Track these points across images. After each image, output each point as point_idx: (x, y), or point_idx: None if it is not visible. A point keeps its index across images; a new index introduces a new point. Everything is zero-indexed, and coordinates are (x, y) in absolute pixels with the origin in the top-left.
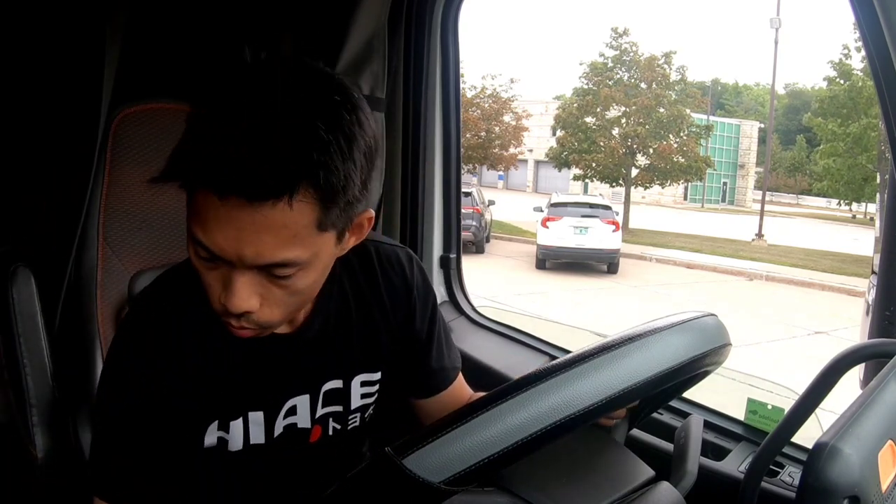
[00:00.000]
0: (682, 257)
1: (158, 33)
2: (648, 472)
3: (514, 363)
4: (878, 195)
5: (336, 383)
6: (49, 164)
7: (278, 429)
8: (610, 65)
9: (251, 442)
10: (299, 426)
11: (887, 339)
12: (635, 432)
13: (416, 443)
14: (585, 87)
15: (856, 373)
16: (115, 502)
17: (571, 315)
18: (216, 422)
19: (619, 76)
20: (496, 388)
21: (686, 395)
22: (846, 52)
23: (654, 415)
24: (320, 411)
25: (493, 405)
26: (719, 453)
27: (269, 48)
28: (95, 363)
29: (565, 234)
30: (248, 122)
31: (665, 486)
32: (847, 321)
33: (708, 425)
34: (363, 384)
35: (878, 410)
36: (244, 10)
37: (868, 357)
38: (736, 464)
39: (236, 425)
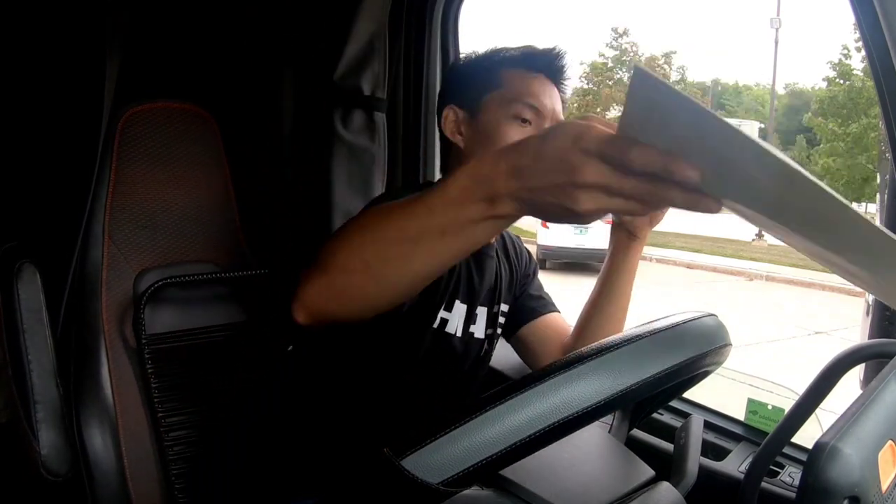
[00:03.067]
0: (683, 257)
1: (162, 33)
2: (648, 473)
3: (518, 364)
4: (878, 195)
5: (504, 306)
6: (55, 161)
7: (466, 331)
8: (610, 65)
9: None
10: (475, 336)
11: (887, 339)
12: (635, 432)
13: (414, 443)
14: (586, 87)
15: (856, 373)
16: None
17: (572, 315)
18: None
19: (619, 76)
20: (495, 389)
21: (686, 395)
22: (846, 52)
23: (654, 415)
24: (488, 330)
25: (493, 405)
26: (719, 453)
27: (270, 48)
28: (100, 360)
29: (565, 235)
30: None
31: (665, 487)
32: (847, 321)
33: (708, 425)
34: (502, 314)
35: (879, 411)
36: (246, 10)
37: (868, 357)
38: (736, 464)
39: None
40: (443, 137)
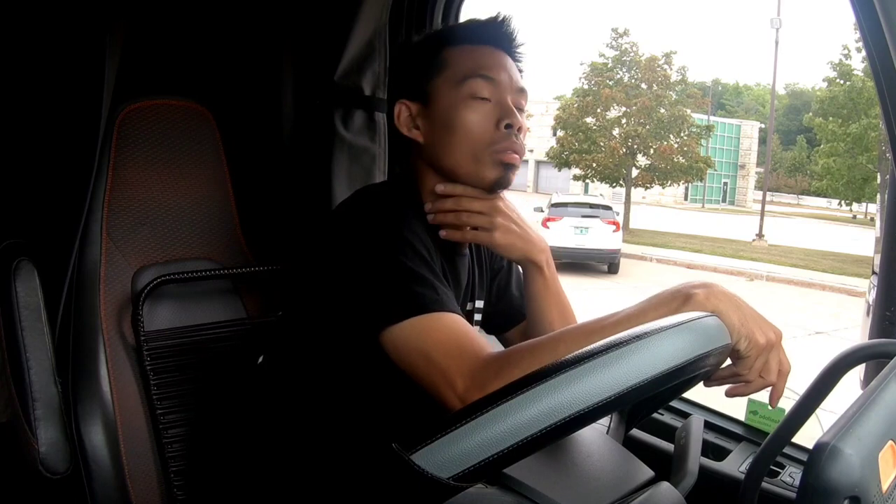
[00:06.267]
0: (683, 257)
1: (161, 30)
2: (648, 473)
3: None
4: (878, 195)
5: (479, 303)
6: (53, 158)
7: None
8: (610, 65)
9: None
10: None
11: (888, 339)
12: (635, 432)
13: (424, 438)
14: (586, 87)
15: (856, 373)
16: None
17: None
18: None
19: (619, 76)
20: (504, 385)
21: (686, 395)
22: (846, 52)
23: (655, 415)
24: None
25: (500, 402)
26: (720, 453)
27: (270, 46)
28: (98, 358)
29: (566, 235)
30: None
31: (665, 487)
32: (847, 321)
33: (708, 425)
34: (477, 311)
35: (879, 411)
36: (247, 9)
37: (868, 357)
38: (736, 464)
39: None
40: (396, 135)
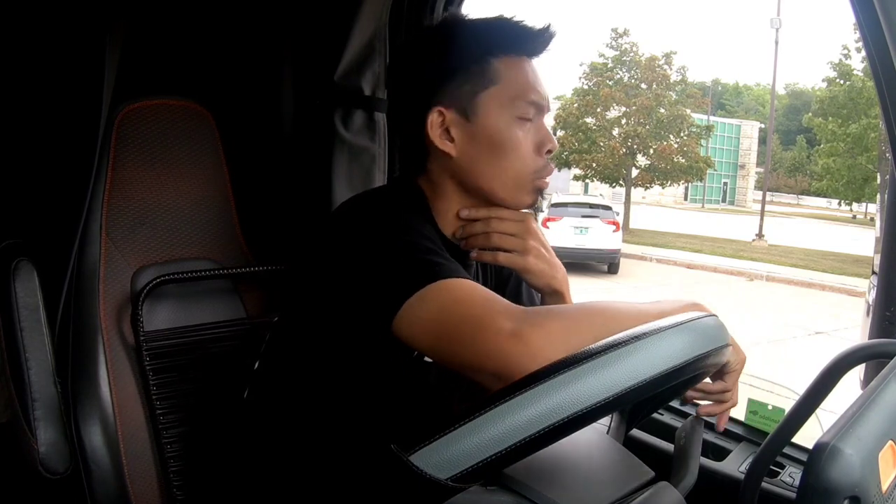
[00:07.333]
0: (683, 257)
1: (161, 30)
2: (648, 473)
3: None
4: (878, 195)
5: None
6: (52, 158)
7: None
8: (610, 65)
9: None
10: None
11: (888, 339)
12: (635, 432)
13: (422, 439)
14: (585, 87)
15: (856, 373)
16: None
17: None
18: None
19: (619, 76)
20: (504, 386)
21: None
22: (846, 52)
23: (655, 415)
24: None
25: (500, 402)
26: (720, 453)
27: (270, 46)
28: (98, 358)
29: (566, 235)
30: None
31: (665, 487)
32: (847, 321)
33: (708, 426)
34: None
35: (879, 411)
36: (247, 8)
37: (868, 357)
38: (736, 464)
39: None
40: (418, 141)
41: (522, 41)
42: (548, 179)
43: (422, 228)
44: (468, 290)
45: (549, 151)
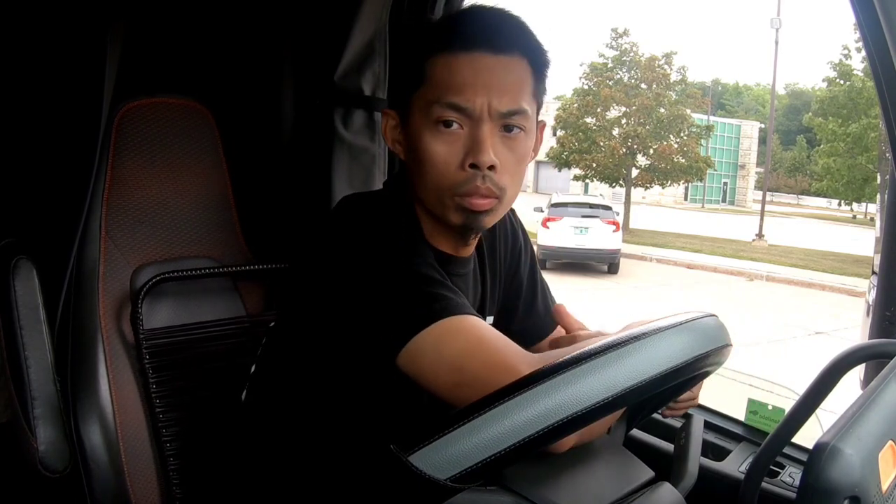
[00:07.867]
0: (683, 257)
1: (162, 29)
2: (648, 473)
3: None
4: (878, 195)
5: (489, 318)
6: (52, 157)
7: None
8: (610, 65)
9: None
10: None
11: (888, 339)
12: (635, 432)
13: (421, 439)
14: (585, 87)
15: (856, 373)
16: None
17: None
18: None
19: (619, 76)
20: (503, 386)
21: None
22: (846, 52)
23: (655, 415)
24: None
25: (500, 402)
26: (720, 454)
27: (270, 46)
28: (97, 357)
29: (566, 235)
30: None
31: (665, 487)
32: (847, 321)
33: (708, 426)
34: None
35: (879, 411)
36: (247, 8)
37: (868, 357)
38: (736, 464)
39: None
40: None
41: (456, 34)
42: (480, 200)
43: (418, 247)
44: (480, 332)
45: (474, 166)
